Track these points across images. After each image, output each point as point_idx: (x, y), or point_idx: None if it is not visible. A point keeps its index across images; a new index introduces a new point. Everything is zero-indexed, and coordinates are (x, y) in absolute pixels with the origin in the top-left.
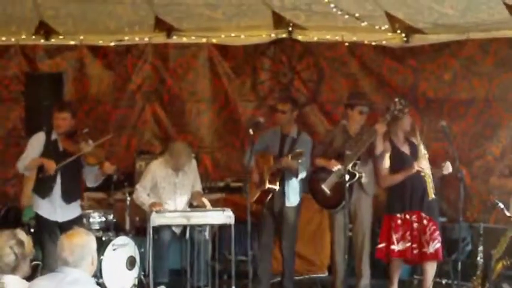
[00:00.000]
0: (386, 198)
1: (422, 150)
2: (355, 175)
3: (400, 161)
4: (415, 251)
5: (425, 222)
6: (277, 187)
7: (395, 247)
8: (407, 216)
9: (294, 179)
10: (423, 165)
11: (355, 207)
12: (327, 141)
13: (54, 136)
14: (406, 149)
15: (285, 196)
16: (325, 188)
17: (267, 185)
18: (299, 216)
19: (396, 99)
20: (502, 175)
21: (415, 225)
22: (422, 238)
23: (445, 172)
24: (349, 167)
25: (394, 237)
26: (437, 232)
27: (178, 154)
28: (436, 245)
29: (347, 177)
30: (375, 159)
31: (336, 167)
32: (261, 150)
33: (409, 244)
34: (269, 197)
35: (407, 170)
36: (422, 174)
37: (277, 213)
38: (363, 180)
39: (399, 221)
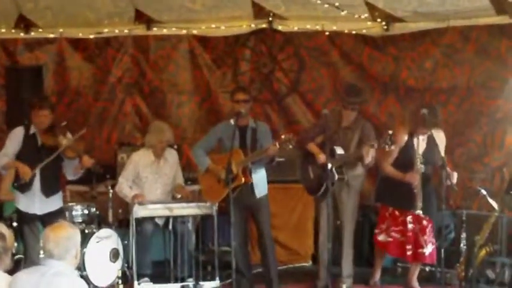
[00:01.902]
0: (378, 185)
1: (419, 164)
2: (335, 176)
3: (405, 158)
4: (409, 252)
5: (424, 222)
6: (251, 180)
7: (379, 236)
8: (397, 213)
9: (260, 169)
10: (414, 179)
11: (337, 198)
12: (315, 130)
13: (32, 130)
14: (421, 146)
15: (254, 188)
16: (311, 171)
17: (243, 180)
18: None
19: (390, 132)
20: None
21: (410, 226)
22: (421, 239)
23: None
24: (333, 168)
25: (380, 226)
26: (433, 234)
27: (159, 130)
28: (432, 247)
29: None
30: (365, 166)
31: (322, 161)
32: (214, 144)
33: (390, 239)
34: (236, 192)
35: (401, 177)
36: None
37: (249, 206)
38: (346, 178)
39: (386, 214)
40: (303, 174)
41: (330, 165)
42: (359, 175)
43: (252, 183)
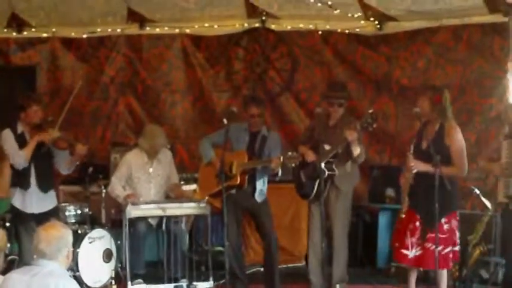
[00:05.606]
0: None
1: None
2: (325, 172)
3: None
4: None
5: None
6: (246, 185)
7: (409, 253)
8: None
9: (264, 178)
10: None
11: (327, 201)
12: (307, 134)
13: (20, 129)
14: (426, 143)
15: (255, 193)
16: (302, 175)
17: (238, 181)
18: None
19: (370, 111)
20: (491, 159)
21: (446, 226)
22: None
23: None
24: (323, 163)
25: (409, 240)
26: None
27: (152, 135)
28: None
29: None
30: (355, 160)
31: (311, 159)
32: (222, 141)
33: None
34: (231, 191)
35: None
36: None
37: (248, 209)
38: (335, 179)
39: (417, 223)
40: (296, 181)
41: (321, 163)
42: (347, 176)
43: (254, 188)
